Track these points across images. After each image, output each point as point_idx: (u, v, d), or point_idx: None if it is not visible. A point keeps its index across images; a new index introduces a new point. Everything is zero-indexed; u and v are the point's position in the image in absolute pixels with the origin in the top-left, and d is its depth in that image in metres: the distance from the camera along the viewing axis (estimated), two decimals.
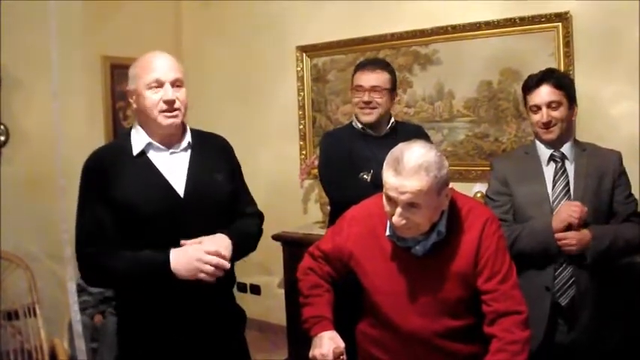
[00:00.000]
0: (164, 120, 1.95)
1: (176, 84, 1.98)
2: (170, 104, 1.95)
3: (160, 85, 1.95)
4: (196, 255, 1.87)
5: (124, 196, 1.91)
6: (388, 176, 1.79)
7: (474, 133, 3.77)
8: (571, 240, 2.34)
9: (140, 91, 1.96)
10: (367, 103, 2.77)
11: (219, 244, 1.92)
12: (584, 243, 2.34)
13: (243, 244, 2.07)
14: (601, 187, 2.43)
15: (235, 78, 4.77)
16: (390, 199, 1.80)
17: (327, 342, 1.92)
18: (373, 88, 2.76)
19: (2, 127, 3.81)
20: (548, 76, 2.47)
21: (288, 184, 4.45)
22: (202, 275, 1.88)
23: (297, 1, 4.39)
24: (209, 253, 1.88)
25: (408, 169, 1.74)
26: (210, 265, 1.87)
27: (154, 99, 1.94)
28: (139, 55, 2.03)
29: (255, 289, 4.72)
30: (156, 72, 1.95)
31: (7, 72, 3.77)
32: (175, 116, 1.97)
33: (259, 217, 2.27)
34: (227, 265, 1.91)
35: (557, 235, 2.36)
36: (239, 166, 2.24)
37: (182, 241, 1.91)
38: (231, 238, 1.97)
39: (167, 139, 2.02)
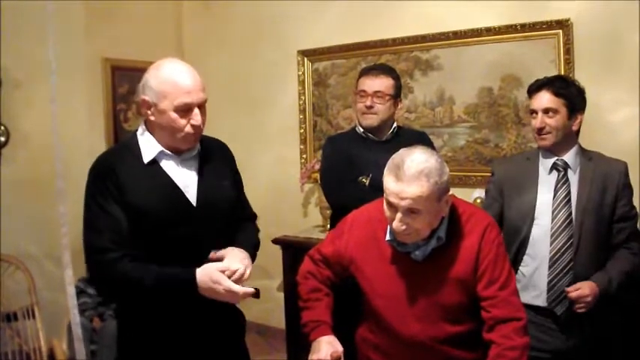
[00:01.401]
0: (187, 142, 1.94)
1: (203, 105, 1.94)
2: (197, 129, 1.92)
3: (189, 109, 1.90)
4: (224, 282, 1.86)
5: (137, 204, 1.88)
6: (389, 182, 1.79)
7: (474, 138, 3.78)
8: (586, 295, 2.32)
9: (164, 109, 1.88)
10: (369, 107, 2.77)
11: (242, 263, 1.93)
12: (596, 296, 2.33)
13: (254, 256, 2.09)
14: (604, 198, 2.41)
15: (236, 81, 4.77)
16: (390, 204, 1.80)
17: (326, 346, 1.92)
18: (376, 94, 2.77)
19: (2, 128, 3.82)
20: (550, 82, 2.45)
21: (289, 187, 4.44)
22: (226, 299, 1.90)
23: (298, 6, 4.39)
24: (234, 278, 1.88)
25: (409, 175, 1.74)
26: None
27: (181, 122, 1.89)
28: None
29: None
30: (187, 96, 1.88)
31: (8, 73, 3.78)
32: (197, 136, 1.96)
33: (255, 218, 2.28)
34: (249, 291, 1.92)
35: (572, 295, 2.33)
36: (237, 170, 2.24)
37: (211, 255, 1.92)
38: (249, 254, 2.01)
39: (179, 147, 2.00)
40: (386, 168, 1.82)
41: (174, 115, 1.88)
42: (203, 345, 2.00)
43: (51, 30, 2.56)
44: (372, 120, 2.79)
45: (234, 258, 1.93)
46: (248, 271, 1.93)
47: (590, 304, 2.32)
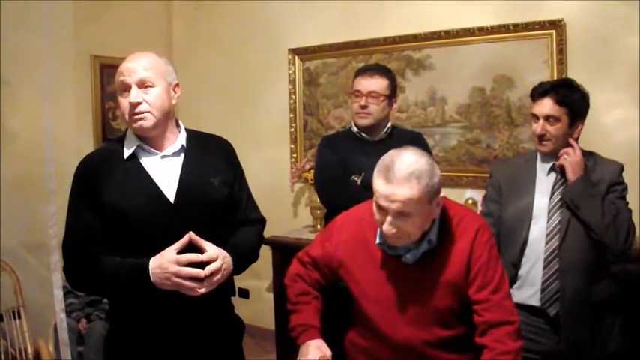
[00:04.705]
0: (133, 124, 1.89)
1: (144, 84, 1.87)
2: (133, 107, 1.85)
3: (127, 88, 1.87)
4: (171, 268, 1.77)
5: (113, 201, 1.85)
6: (379, 184, 1.76)
7: (465, 139, 3.76)
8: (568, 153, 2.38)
9: (117, 97, 1.92)
10: (363, 107, 2.78)
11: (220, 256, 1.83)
12: (574, 162, 2.37)
13: (244, 259, 2.01)
14: None
15: (226, 80, 4.74)
16: (380, 207, 1.77)
17: (314, 351, 1.90)
18: (370, 94, 2.78)
19: None
20: (554, 88, 2.41)
21: (279, 187, 4.42)
22: (182, 289, 1.79)
23: (290, 4, 4.37)
24: (183, 263, 1.77)
25: (399, 177, 1.71)
26: (187, 277, 1.77)
27: (125, 103, 1.87)
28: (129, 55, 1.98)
29: (244, 293, 4.69)
30: (122, 75, 1.87)
31: None
32: (143, 119, 1.87)
33: (261, 223, 2.20)
34: (201, 274, 1.78)
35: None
36: (241, 170, 2.17)
37: (187, 237, 1.81)
38: (233, 255, 1.90)
39: (158, 143, 1.96)
40: (375, 169, 1.79)
41: (120, 99, 1.90)
42: (200, 352, 1.94)
43: (46, 30, 2.52)
44: (366, 120, 2.80)
45: (212, 248, 1.84)
46: (221, 269, 1.83)
47: (564, 162, 2.39)
